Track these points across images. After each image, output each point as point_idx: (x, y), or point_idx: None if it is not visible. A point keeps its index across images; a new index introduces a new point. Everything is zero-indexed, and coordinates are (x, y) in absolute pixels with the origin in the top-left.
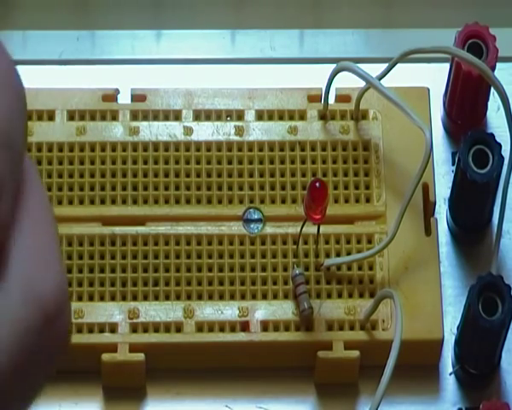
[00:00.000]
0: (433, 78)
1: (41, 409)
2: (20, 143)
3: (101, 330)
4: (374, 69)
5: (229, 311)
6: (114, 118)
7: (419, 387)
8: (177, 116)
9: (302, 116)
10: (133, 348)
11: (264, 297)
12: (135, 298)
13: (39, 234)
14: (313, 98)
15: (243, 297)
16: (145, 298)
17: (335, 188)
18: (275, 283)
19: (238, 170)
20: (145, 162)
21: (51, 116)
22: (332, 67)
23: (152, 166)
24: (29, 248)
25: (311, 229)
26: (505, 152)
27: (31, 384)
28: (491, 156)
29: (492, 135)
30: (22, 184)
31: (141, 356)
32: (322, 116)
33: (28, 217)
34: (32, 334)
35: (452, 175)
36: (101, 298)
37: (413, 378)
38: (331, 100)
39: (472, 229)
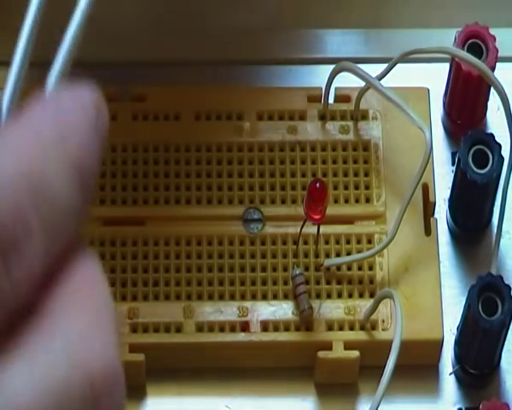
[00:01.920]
0: (433, 78)
1: None
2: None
3: None
4: (374, 69)
5: (229, 311)
6: (114, 118)
7: (419, 387)
8: (177, 116)
9: (302, 116)
10: (133, 348)
11: (264, 297)
12: (135, 298)
13: (90, 309)
14: (313, 98)
15: (243, 297)
16: (145, 298)
17: (335, 188)
18: (275, 283)
19: (238, 170)
20: (145, 163)
21: None
22: (332, 67)
23: (152, 167)
24: (77, 316)
25: (311, 229)
26: (505, 152)
27: None
28: (491, 156)
29: (492, 135)
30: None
31: (141, 356)
32: (322, 116)
33: (79, 291)
34: (75, 404)
35: (452, 175)
36: None
37: (413, 378)
38: (331, 100)
39: (472, 229)
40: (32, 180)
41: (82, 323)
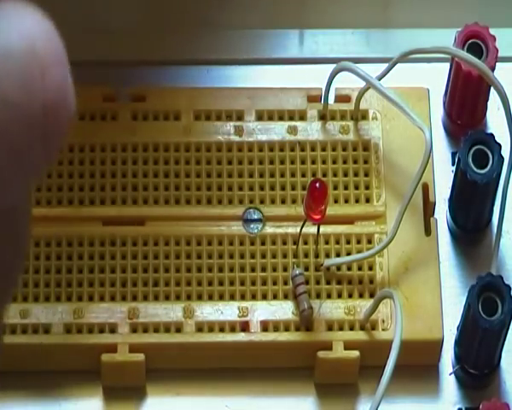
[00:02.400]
0: (433, 78)
1: (41, 409)
2: None
3: (101, 331)
4: (374, 69)
5: (229, 311)
6: (114, 118)
7: (419, 387)
8: (177, 116)
9: (302, 116)
10: (133, 348)
11: (264, 297)
12: (135, 298)
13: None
14: (313, 98)
15: (243, 297)
16: (145, 298)
17: (335, 188)
18: (275, 283)
19: (238, 170)
20: (145, 163)
21: None
22: (332, 67)
23: (152, 167)
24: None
25: (310, 229)
26: (505, 152)
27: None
28: (490, 156)
29: (492, 135)
30: None
31: (141, 356)
32: (322, 116)
33: None
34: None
35: (452, 175)
36: (101, 298)
37: (413, 378)
38: (331, 100)
39: (472, 229)
40: None
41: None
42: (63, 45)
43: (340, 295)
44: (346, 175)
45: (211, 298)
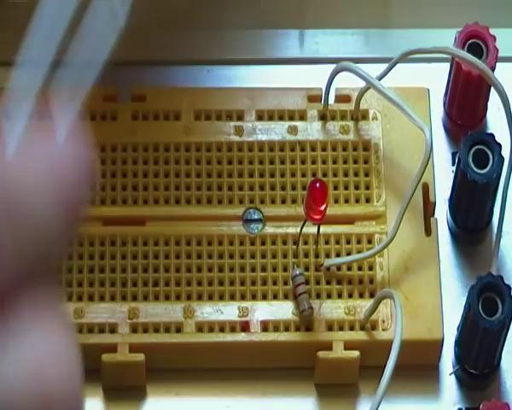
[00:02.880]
0: (433, 78)
1: None
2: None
3: (101, 331)
4: (374, 69)
5: (229, 311)
6: (114, 118)
7: (419, 387)
8: (177, 116)
9: (302, 116)
10: (133, 348)
11: (264, 297)
12: (135, 298)
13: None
14: (313, 98)
15: (243, 297)
16: (145, 298)
17: (335, 188)
18: (275, 283)
19: (238, 170)
20: (145, 162)
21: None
22: (332, 67)
23: (152, 167)
24: (34, 324)
25: (311, 229)
26: (505, 152)
27: None
28: (491, 157)
29: (492, 135)
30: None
31: (141, 356)
32: (322, 116)
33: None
34: None
35: (452, 175)
36: (102, 298)
37: (413, 378)
38: (331, 100)
39: (472, 229)
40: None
41: (46, 341)
42: (79, 355)
43: (340, 296)
44: (346, 175)
45: (211, 298)
